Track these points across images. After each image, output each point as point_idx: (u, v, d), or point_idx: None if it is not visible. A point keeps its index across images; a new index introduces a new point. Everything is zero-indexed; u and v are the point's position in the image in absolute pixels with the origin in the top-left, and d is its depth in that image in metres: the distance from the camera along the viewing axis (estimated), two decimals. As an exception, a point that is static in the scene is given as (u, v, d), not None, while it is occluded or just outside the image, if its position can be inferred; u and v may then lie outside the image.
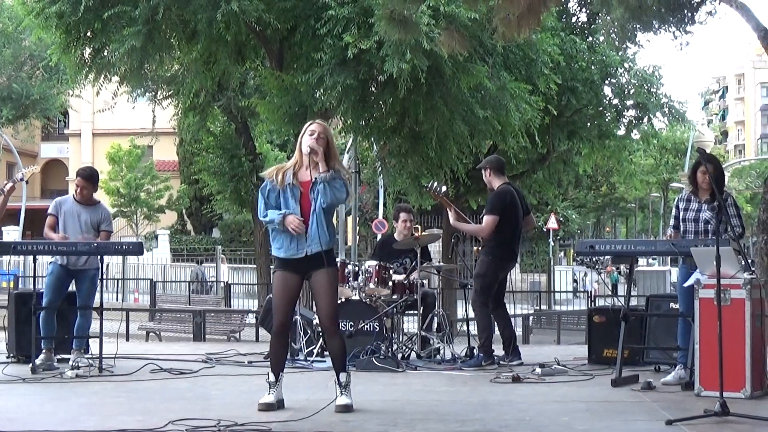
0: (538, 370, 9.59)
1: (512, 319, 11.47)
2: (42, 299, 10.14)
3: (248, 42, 16.77)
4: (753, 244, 18.29)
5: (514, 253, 10.90)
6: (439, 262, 14.19)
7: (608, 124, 21.34)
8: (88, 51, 16.39)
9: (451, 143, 16.58)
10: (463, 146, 17.00)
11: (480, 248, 10.92)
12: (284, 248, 7.31)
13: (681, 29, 14.51)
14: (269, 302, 12.86)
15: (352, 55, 14.49)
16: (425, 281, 11.79)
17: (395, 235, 12.02)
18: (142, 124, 25.39)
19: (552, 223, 42.41)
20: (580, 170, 25.08)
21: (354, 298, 10.87)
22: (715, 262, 7.22)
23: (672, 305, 9.90)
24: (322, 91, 15.52)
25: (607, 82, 21.18)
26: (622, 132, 22.11)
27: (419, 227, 11.95)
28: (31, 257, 10.01)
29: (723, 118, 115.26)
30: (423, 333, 11.13)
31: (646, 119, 21.69)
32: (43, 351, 10.09)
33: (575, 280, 42.86)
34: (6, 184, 9.40)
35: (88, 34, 15.78)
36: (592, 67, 20.32)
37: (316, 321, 10.67)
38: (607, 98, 21.42)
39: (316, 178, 7.23)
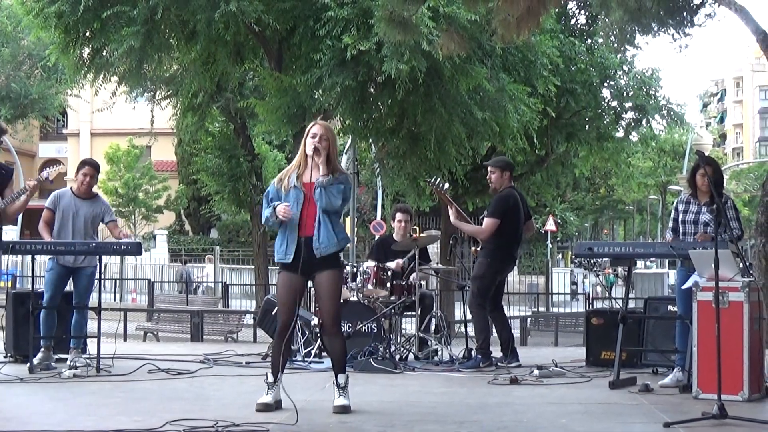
0: (536, 371, 9.58)
1: (510, 321, 11.46)
2: (40, 299, 10.14)
3: (247, 42, 16.78)
4: (751, 246, 18.28)
5: (512, 257, 10.90)
6: (437, 263, 14.16)
7: (607, 126, 21.36)
8: (87, 51, 16.40)
9: (450, 145, 16.58)
10: (461, 148, 17.00)
11: (478, 249, 10.91)
12: (277, 252, 7.32)
13: (680, 32, 14.51)
14: (267, 303, 12.88)
15: (351, 56, 14.48)
16: (423, 283, 11.78)
17: (394, 236, 12.01)
18: (141, 124, 25.37)
19: (550, 225, 42.44)
20: (579, 172, 25.09)
21: (352, 299, 10.87)
22: (713, 265, 7.21)
23: (670, 308, 9.90)
24: (320, 91, 15.53)
25: (605, 84, 21.19)
26: (620, 134, 22.11)
27: (417, 228, 11.91)
28: (29, 257, 10.01)
29: (721, 120, 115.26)
30: (421, 334, 11.13)
31: (644, 121, 21.70)
32: (42, 349, 10.08)
33: (574, 283, 42.82)
34: (30, 182, 9.33)
35: (87, 33, 15.79)
36: (591, 70, 20.32)
37: (314, 322, 10.68)
38: (606, 100, 21.43)
39: (315, 182, 7.23)
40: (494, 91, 15.90)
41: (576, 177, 28.86)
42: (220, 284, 30.41)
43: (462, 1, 13.78)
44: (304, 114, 16.05)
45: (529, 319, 21.90)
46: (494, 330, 10.85)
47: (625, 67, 21.40)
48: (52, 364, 10.03)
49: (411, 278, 11.14)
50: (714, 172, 8.57)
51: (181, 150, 43.41)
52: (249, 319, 20.20)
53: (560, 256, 55.89)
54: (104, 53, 16.15)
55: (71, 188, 10.45)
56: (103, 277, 10.43)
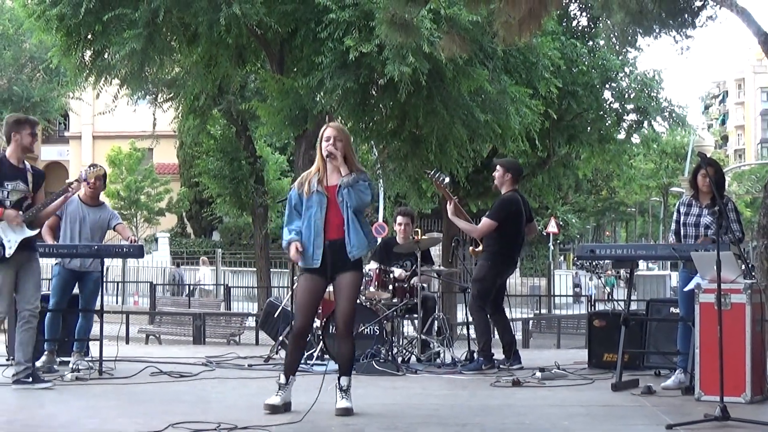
0: (538, 374, 9.57)
1: (512, 324, 11.46)
2: (43, 301, 10.13)
3: (249, 45, 16.80)
4: (753, 248, 18.29)
5: (513, 261, 10.90)
6: (439, 266, 14.15)
7: (608, 128, 21.37)
8: (88, 53, 16.41)
9: (451, 147, 16.59)
10: (462, 150, 17.02)
11: (474, 248, 10.91)
12: (304, 258, 7.33)
13: (681, 33, 14.52)
14: (269, 305, 12.90)
15: (353, 58, 14.50)
16: (425, 285, 11.78)
17: (396, 238, 12.01)
18: (143, 127, 25.40)
19: (552, 227, 42.38)
20: (581, 174, 25.11)
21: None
22: (715, 267, 7.21)
23: (672, 309, 9.89)
24: (322, 94, 15.54)
25: (607, 86, 21.20)
26: (622, 136, 22.14)
27: (419, 231, 11.90)
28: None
29: (723, 122, 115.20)
30: (423, 337, 11.12)
31: (646, 123, 21.71)
32: (45, 353, 10.09)
33: (577, 285, 42.72)
34: (70, 184, 9.26)
35: (89, 36, 15.81)
36: (593, 71, 20.34)
37: (315, 324, 10.67)
38: (608, 102, 21.44)
39: (340, 183, 7.27)
40: (496, 93, 15.92)
41: (578, 179, 28.89)
42: (222, 287, 30.42)
43: (463, 3, 13.78)
44: (306, 116, 16.07)
45: (531, 322, 21.88)
46: (495, 332, 10.86)
47: (626, 69, 21.42)
48: (55, 367, 10.04)
49: (413, 281, 11.14)
50: (715, 173, 8.56)
51: (182, 153, 43.40)
52: (251, 322, 20.21)
53: (562, 258, 55.85)
54: (106, 56, 16.16)
55: (78, 195, 10.45)
56: (105, 279, 10.43)
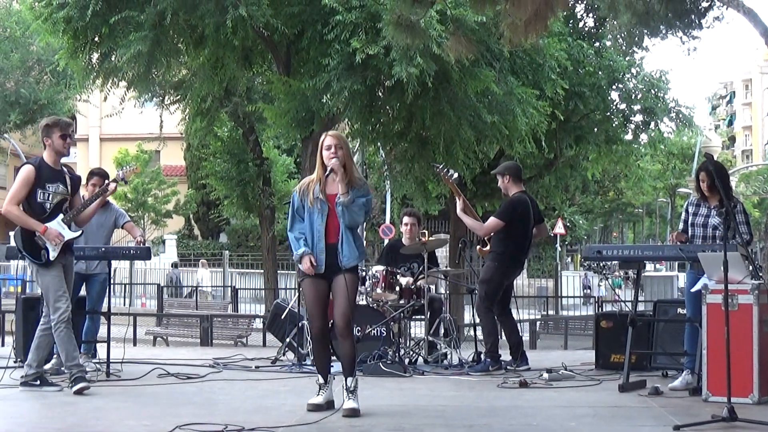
0: (546, 375, 9.57)
1: (519, 325, 11.44)
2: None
3: (255, 47, 16.81)
4: (761, 249, 18.25)
5: (520, 262, 10.89)
6: (446, 267, 14.16)
7: (615, 129, 21.37)
8: (95, 56, 16.45)
9: (458, 148, 16.59)
10: (469, 151, 17.02)
11: (482, 247, 10.91)
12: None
13: (688, 34, 14.53)
14: (276, 307, 12.89)
15: (360, 60, 14.50)
16: (432, 286, 11.77)
17: (403, 240, 12.00)
18: (150, 129, 25.45)
19: (559, 229, 42.33)
20: (588, 175, 25.08)
21: (361, 303, 10.86)
22: (722, 268, 7.20)
23: (679, 310, 9.88)
24: (329, 96, 15.55)
25: (614, 87, 21.20)
26: (629, 137, 22.12)
27: (426, 232, 11.90)
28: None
29: (730, 123, 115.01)
30: (430, 338, 11.11)
31: (653, 124, 21.69)
32: (54, 355, 10.08)
33: (587, 287, 42.61)
34: (107, 184, 9.25)
35: (96, 39, 15.84)
36: (600, 72, 20.33)
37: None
38: (615, 103, 21.44)
39: (337, 201, 7.38)
40: (502, 95, 15.92)
41: (585, 180, 28.86)
42: (229, 288, 30.41)
43: (469, 4, 13.79)
44: (313, 118, 16.09)
45: (538, 323, 21.85)
46: (503, 334, 10.85)
47: (633, 70, 21.41)
48: (63, 369, 10.04)
49: (420, 282, 11.13)
50: (709, 176, 8.55)
51: (189, 154, 43.47)
52: (258, 324, 20.21)
53: (569, 259, 55.81)
54: (113, 58, 16.19)
55: (83, 197, 10.46)
56: (112, 281, 10.45)
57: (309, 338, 10.89)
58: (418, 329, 12.68)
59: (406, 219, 11.92)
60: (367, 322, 10.60)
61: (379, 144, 19.40)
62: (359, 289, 10.86)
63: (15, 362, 10.51)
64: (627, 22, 13.56)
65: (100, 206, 9.44)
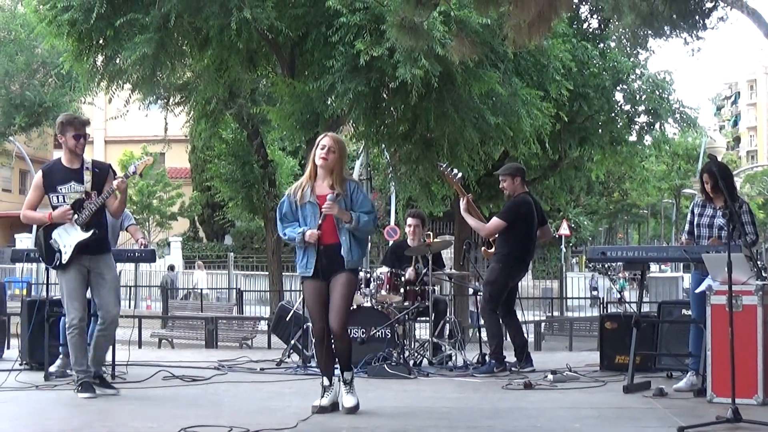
0: (550, 376, 9.57)
1: (524, 326, 11.44)
2: (54, 306, 10.15)
3: (260, 49, 16.84)
4: (766, 250, 18.25)
5: (525, 264, 10.89)
6: (450, 268, 14.14)
7: (620, 130, 21.35)
8: (100, 58, 16.49)
9: (462, 150, 16.59)
10: (474, 153, 17.03)
11: (486, 249, 10.92)
12: (299, 266, 7.52)
13: (692, 35, 14.54)
14: (281, 309, 12.90)
15: (364, 62, 14.51)
16: (437, 288, 11.76)
17: (408, 241, 12.00)
18: (155, 132, 25.44)
19: (564, 230, 42.32)
20: (593, 176, 25.07)
21: (366, 304, 10.86)
22: (726, 268, 7.19)
23: (684, 311, 9.87)
24: (333, 98, 15.56)
25: (618, 88, 21.19)
26: (633, 138, 22.11)
27: (431, 234, 11.91)
28: (44, 265, 9.99)
29: (735, 123, 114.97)
30: (435, 340, 11.11)
31: (657, 125, 21.68)
32: (60, 357, 10.09)
33: (595, 288, 42.53)
34: (116, 179, 9.00)
35: (101, 41, 15.88)
36: (604, 73, 20.33)
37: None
38: (619, 104, 21.43)
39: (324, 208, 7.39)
40: (507, 96, 15.92)
41: (590, 181, 28.87)
42: (234, 291, 30.44)
43: (473, 6, 13.80)
44: (317, 120, 16.10)
45: (543, 324, 21.85)
46: (507, 335, 10.86)
47: (637, 71, 21.40)
48: (68, 371, 10.05)
49: (423, 277, 11.11)
50: (721, 175, 8.54)
51: (194, 157, 43.52)
52: (263, 326, 20.22)
53: (575, 260, 55.78)
54: (117, 61, 16.21)
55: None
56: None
57: (312, 339, 10.92)
58: (422, 331, 12.68)
59: (409, 220, 11.92)
60: (371, 324, 10.60)
61: (383, 145, 19.40)
62: (364, 290, 10.88)
63: (20, 365, 10.53)
64: (631, 23, 13.58)
65: (124, 201, 9.14)
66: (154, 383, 9.50)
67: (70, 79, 30.41)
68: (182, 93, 20.41)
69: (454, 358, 11.11)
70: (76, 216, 8.58)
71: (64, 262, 8.57)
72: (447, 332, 11.50)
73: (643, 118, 21.72)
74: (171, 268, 35.22)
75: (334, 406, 7.41)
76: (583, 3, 22.24)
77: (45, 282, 9.87)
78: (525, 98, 16.23)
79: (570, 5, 15.53)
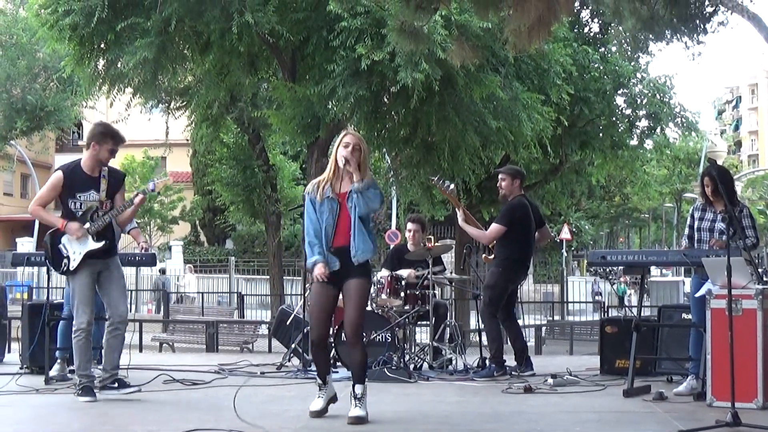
0: (550, 380, 9.58)
1: (525, 330, 11.45)
2: (55, 310, 10.18)
3: (261, 53, 16.85)
4: (767, 254, 18.25)
5: (525, 267, 10.90)
6: (451, 272, 14.17)
7: (621, 134, 21.35)
8: (101, 62, 16.48)
9: (463, 154, 16.60)
10: (475, 157, 17.03)
11: (487, 256, 10.93)
12: (310, 265, 7.42)
13: (693, 39, 14.55)
14: (282, 313, 12.91)
15: (365, 66, 14.52)
16: (437, 292, 11.77)
17: (408, 246, 12.01)
18: (156, 136, 25.45)
19: (565, 234, 42.33)
20: (594, 180, 25.08)
21: (366, 308, 10.86)
22: (726, 272, 7.20)
23: (684, 315, 9.88)
24: (334, 102, 15.58)
25: (619, 92, 21.21)
26: (634, 142, 22.12)
27: (432, 238, 11.92)
28: (44, 269, 10.01)
29: (736, 128, 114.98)
30: (435, 344, 11.12)
31: (658, 129, 21.69)
32: (58, 361, 10.10)
33: (598, 293, 42.48)
34: (136, 195, 9.07)
35: (102, 45, 15.88)
36: (605, 77, 20.34)
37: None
38: (620, 108, 21.45)
39: (351, 189, 7.30)
40: (508, 100, 15.92)
41: (590, 185, 28.86)
42: (235, 294, 30.44)
43: (474, 10, 13.80)
44: (318, 124, 16.12)
45: (544, 328, 21.86)
46: (507, 339, 10.87)
47: (638, 75, 21.41)
48: (68, 375, 10.06)
49: (424, 279, 11.12)
50: (721, 179, 8.55)
51: (195, 161, 43.55)
52: (264, 330, 20.23)
53: (576, 264, 55.79)
54: (119, 65, 16.23)
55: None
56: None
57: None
58: (423, 335, 12.69)
59: (409, 225, 11.93)
60: (372, 328, 10.60)
61: (384, 150, 19.41)
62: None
63: (21, 368, 10.55)
64: (632, 27, 13.60)
65: (132, 215, 9.22)
66: (154, 387, 9.50)
67: (72, 83, 30.38)
68: (183, 97, 20.42)
69: (454, 362, 11.11)
70: (88, 225, 8.60)
71: (72, 269, 8.58)
72: (447, 336, 11.51)
73: (644, 122, 21.74)
74: (162, 271, 35.20)
75: (332, 399, 7.44)
76: (584, 7, 22.25)
77: (46, 286, 9.89)
78: (526, 102, 16.24)
79: (570, 9, 15.53)
